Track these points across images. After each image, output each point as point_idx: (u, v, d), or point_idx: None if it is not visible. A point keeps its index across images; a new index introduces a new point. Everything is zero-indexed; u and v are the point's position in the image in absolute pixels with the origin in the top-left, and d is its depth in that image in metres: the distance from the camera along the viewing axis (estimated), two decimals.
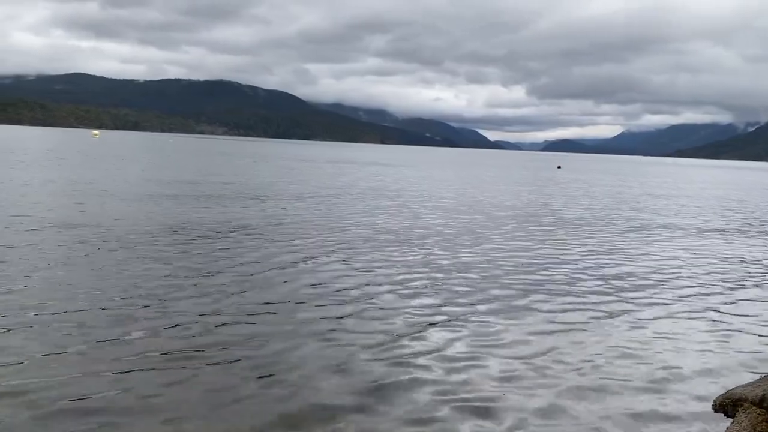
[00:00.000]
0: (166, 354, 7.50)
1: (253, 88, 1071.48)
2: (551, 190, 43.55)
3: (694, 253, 17.51)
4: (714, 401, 5.63)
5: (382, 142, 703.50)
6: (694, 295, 12.15)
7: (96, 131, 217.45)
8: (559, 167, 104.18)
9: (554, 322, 9.77)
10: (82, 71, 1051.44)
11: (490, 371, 7.50)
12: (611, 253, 16.81)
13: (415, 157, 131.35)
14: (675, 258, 16.54)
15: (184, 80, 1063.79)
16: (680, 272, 14.56)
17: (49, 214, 18.50)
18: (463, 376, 7.22)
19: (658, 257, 16.61)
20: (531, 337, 8.91)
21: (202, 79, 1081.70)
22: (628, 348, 8.67)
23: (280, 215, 21.37)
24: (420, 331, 8.85)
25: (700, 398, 6.96)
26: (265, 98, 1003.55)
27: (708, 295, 12.22)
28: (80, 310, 9.04)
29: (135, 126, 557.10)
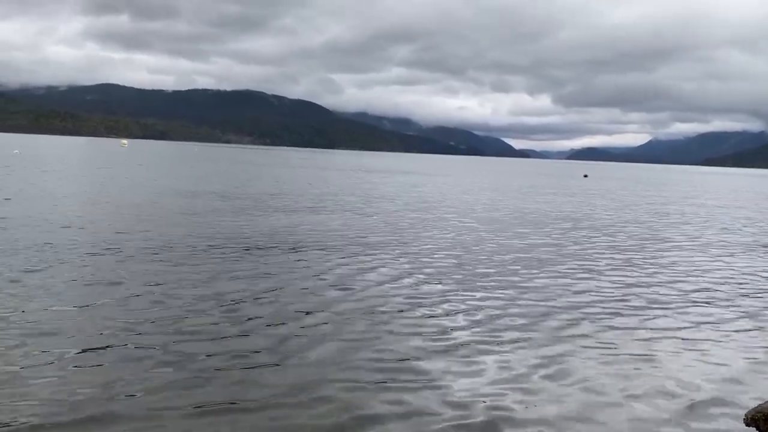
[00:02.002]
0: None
1: (279, 98, 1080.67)
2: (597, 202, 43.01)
3: (736, 268, 17.07)
4: (745, 416, 5.45)
5: (406, 151, 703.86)
6: (727, 307, 11.94)
7: (124, 140, 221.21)
8: (585, 176, 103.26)
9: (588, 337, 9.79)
10: (112, 82, 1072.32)
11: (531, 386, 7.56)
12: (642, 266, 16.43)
13: (444, 166, 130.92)
14: (707, 272, 16.14)
15: (211, 90, 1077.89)
16: (712, 286, 14.19)
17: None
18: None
19: (690, 271, 16.19)
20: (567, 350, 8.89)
21: (229, 89, 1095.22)
22: (654, 359, 8.52)
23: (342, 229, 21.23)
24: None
25: (731, 412, 6.79)
26: (291, 108, 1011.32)
27: (740, 307, 12.02)
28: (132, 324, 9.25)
29: (162, 135, 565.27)
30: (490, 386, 7.17)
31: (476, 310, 10.47)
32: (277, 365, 7.52)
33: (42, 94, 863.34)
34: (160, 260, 13.29)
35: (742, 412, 5.99)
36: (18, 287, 10.40)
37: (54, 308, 9.37)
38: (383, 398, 6.71)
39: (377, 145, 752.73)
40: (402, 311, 10.21)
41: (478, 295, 11.63)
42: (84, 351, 7.62)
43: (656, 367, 8.22)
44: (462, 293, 11.69)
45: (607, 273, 14.45)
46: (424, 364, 7.74)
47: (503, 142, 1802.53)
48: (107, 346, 7.81)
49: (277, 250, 15.28)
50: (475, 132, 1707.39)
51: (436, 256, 15.70)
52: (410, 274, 13.18)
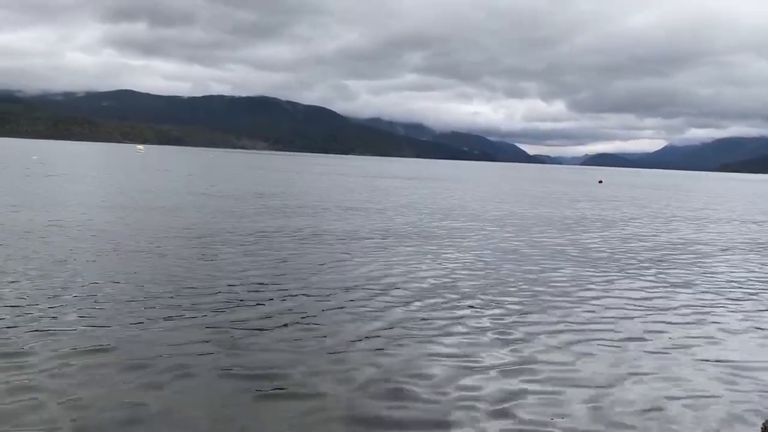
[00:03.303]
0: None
1: (293, 104, 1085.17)
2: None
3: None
4: (763, 425, 5.53)
5: (419, 157, 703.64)
6: (749, 315, 11.88)
7: (140, 146, 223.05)
8: (600, 182, 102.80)
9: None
10: (129, 88, 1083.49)
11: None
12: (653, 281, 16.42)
13: (462, 172, 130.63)
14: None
15: (226, 96, 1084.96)
16: (734, 290, 14.19)
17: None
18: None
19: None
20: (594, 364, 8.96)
21: (244, 95, 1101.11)
22: (676, 369, 8.51)
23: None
24: None
25: (750, 422, 6.77)
26: (305, 113, 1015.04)
27: (761, 313, 11.95)
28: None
29: (178, 141, 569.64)
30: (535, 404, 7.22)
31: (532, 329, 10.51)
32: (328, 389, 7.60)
33: (60, 100, 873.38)
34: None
35: (760, 421, 6.01)
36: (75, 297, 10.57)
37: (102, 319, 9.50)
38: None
39: (390, 150, 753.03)
40: (454, 327, 10.15)
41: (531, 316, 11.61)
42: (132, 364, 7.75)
43: (671, 374, 8.25)
44: (516, 312, 11.67)
45: (645, 284, 14.49)
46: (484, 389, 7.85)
47: (517, 147, 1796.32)
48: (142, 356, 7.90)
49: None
50: (489, 137, 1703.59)
51: (482, 271, 15.77)
52: (455, 287, 13.29)
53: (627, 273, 15.55)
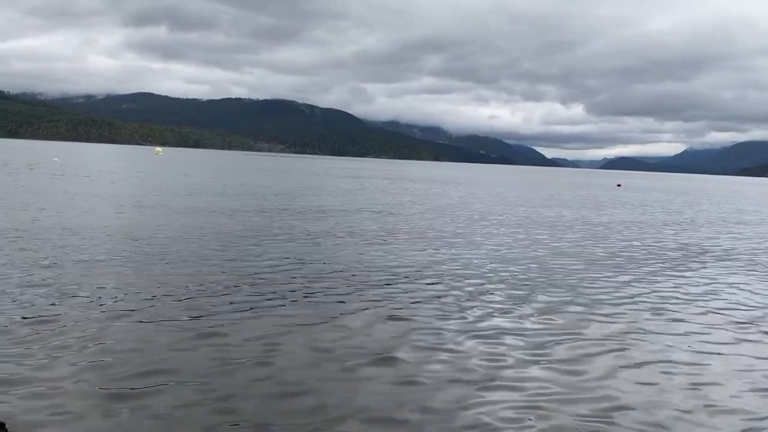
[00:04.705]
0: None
1: (310, 107, 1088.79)
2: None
3: None
4: None
5: (437, 159, 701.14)
6: None
7: (159, 148, 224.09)
8: (618, 185, 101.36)
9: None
10: (149, 91, 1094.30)
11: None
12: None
13: (486, 176, 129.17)
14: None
15: (244, 99, 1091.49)
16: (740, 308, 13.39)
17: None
18: None
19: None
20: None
21: (261, 98, 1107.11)
22: (698, 380, 8.00)
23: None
24: None
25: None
26: (322, 116, 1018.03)
27: None
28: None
29: (197, 144, 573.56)
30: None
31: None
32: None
33: (81, 102, 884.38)
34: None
35: None
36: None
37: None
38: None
39: (408, 153, 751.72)
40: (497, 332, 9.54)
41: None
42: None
43: (692, 383, 7.87)
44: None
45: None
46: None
47: (534, 150, 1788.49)
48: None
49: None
50: (506, 141, 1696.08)
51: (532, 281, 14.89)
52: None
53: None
